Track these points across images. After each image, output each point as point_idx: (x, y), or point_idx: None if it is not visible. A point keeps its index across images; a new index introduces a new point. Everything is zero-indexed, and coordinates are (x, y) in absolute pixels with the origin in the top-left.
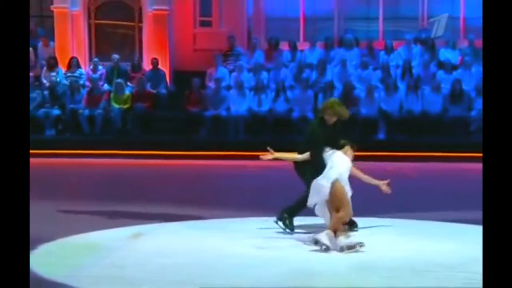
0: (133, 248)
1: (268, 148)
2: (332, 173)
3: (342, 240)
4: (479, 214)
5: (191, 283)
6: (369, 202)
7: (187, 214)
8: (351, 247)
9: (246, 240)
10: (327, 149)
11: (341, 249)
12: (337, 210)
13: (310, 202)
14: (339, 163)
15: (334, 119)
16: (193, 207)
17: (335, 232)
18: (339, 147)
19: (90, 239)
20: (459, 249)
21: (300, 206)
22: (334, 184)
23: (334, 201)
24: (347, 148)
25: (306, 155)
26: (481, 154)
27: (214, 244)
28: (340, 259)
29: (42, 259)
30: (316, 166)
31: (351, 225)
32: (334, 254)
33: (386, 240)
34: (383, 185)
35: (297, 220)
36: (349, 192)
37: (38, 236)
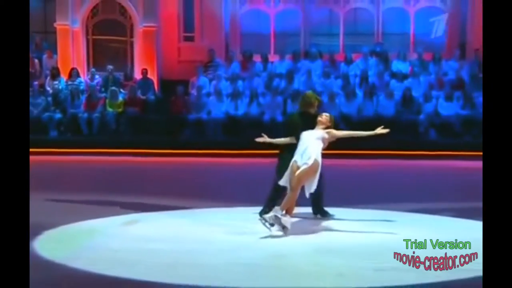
0: (126, 234)
1: (262, 134)
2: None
3: (285, 220)
4: (430, 205)
5: (175, 265)
6: (334, 194)
7: (174, 205)
8: (284, 227)
9: (225, 227)
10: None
11: (283, 229)
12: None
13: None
14: (299, 145)
15: (316, 109)
16: (179, 198)
17: (287, 211)
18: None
19: (88, 226)
20: (410, 235)
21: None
22: (291, 165)
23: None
24: (318, 120)
25: (290, 138)
26: (429, 152)
27: (197, 231)
28: (306, 243)
29: (46, 244)
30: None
31: (323, 215)
32: (301, 238)
33: (348, 227)
34: (379, 130)
35: None
36: (307, 161)
37: (42, 223)
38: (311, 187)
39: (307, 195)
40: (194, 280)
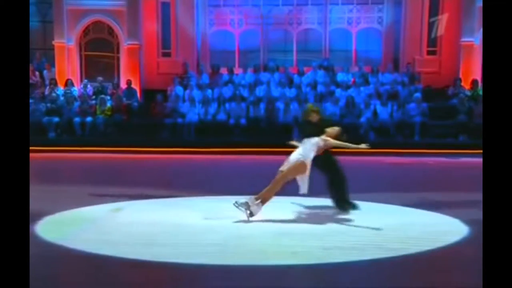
0: (114, 219)
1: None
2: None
3: (255, 208)
4: (372, 194)
5: (153, 244)
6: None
7: (153, 194)
8: (251, 214)
9: (196, 213)
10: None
11: (250, 215)
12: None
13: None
14: (298, 148)
15: (317, 117)
16: (158, 189)
17: (262, 200)
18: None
19: (81, 212)
20: (351, 219)
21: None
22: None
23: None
24: (326, 130)
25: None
26: (369, 150)
27: (173, 216)
28: (265, 227)
29: (45, 228)
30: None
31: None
32: (261, 223)
33: (301, 213)
34: (363, 146)
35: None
36: (293, 161)
37: (43, 211)
38: (302, 187)
39: (300, 192)
40: (168, 257)
